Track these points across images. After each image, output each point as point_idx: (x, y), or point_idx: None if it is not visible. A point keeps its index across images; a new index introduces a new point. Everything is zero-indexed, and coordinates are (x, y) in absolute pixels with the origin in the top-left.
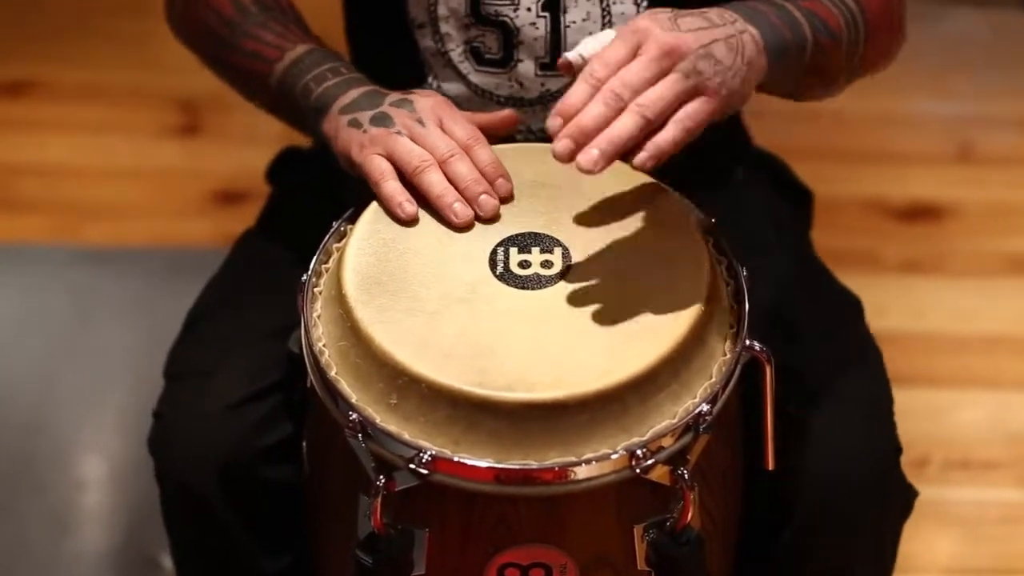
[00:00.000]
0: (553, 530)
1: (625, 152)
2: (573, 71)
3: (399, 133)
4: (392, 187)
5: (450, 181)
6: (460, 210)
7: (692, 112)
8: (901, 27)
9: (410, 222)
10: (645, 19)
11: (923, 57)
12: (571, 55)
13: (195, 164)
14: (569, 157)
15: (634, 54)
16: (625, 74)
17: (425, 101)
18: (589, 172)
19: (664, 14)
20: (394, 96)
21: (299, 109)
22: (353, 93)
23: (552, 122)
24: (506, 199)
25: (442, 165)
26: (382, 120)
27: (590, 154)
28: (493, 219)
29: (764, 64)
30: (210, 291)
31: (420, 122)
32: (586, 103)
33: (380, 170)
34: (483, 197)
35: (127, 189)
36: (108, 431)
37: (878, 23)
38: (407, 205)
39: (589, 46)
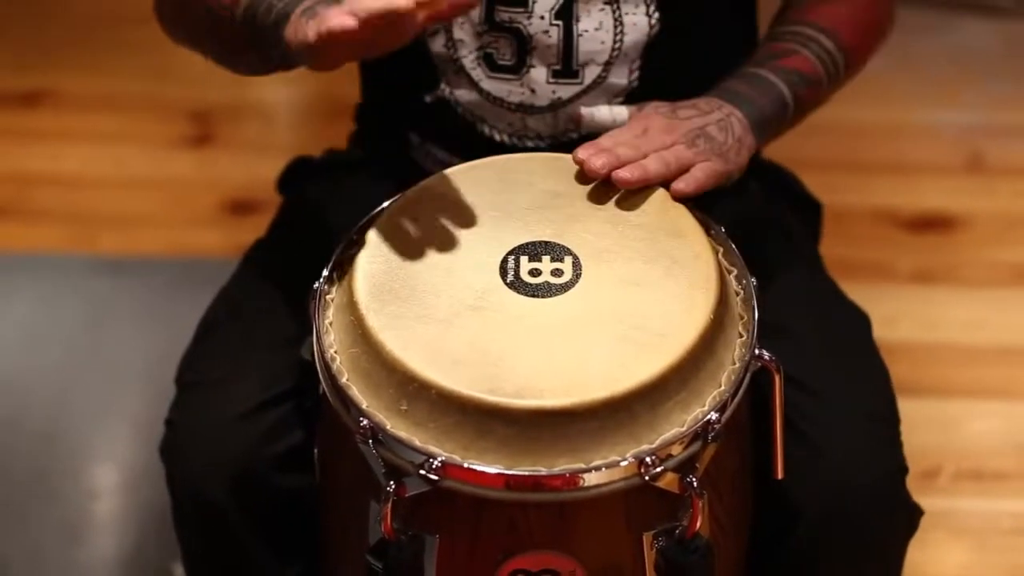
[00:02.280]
0: (563, 536)
1: (651, 183)
2: (581, 124)
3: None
4: (332, 13)
5: None
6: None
7: (708, 165)
8: (889, 23)
9: (347, 27)
10: (649, 109)
11: (933, 68)
12: (583, 110)
13: (208, 174)
14: (605, 168)
15: (644, 133)
16: (642, 138)
17: None
18: (628, 183)
19: (664, 107)
20: None
21: (264, 33)
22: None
23: (583, 152)
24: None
25: None
26: (336, 1)
27: (629, 170)
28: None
29: (752, 141)
30: (222, 300)
31: None
32: (614, 148)
33: (324, 16)
34: None
35: (140, 199)
36: (121, 439)
37: (858, 48)
38: (345, 19)
39: (603, 111)
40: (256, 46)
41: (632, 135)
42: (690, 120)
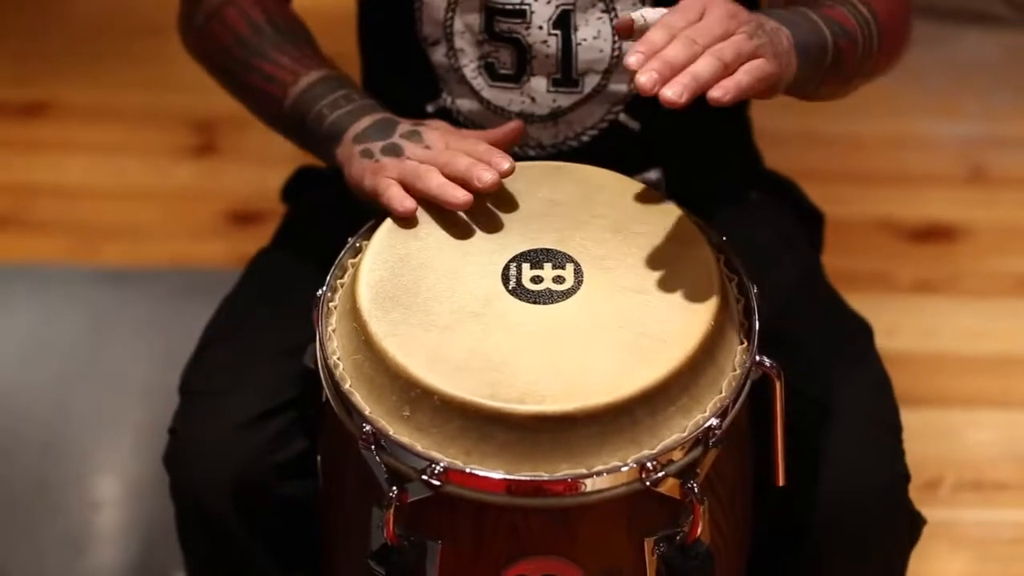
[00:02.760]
0: (564, 542)
1: (702, 92)
2: (631, 31)
3: (409, 159)
4: (395, 191)
5: (449, 176)
6: (455, 192)
7: (758, 66)
8: (908, 31)
9: (409, 221)
10: None
11: (934, 79)
12: (634, 14)
13: (210, 184)
14: (654, 87)
15: (700, 17)
16: (698, 26)
17: (433, 131)
18: (673, 104)
19: None
20: (404, 126)
21: (311, 134)
22: (365, 121)
23: (633, 58)
24: (506, 174)
25: (442, 169)
26: (393, 150)
27: (678, 85)
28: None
29: (795, 62)
30: (225, 310)
31: (428, 148)
32: (666, 44)
33: (387, 184)
34: (480, 171)
35: (143, 209)
36: (123, 450)
37: (889, 28)
38: (406, 201)
39: (650, 13)
40: (302, 140)
41: (687, 19)
42: (750, 12)
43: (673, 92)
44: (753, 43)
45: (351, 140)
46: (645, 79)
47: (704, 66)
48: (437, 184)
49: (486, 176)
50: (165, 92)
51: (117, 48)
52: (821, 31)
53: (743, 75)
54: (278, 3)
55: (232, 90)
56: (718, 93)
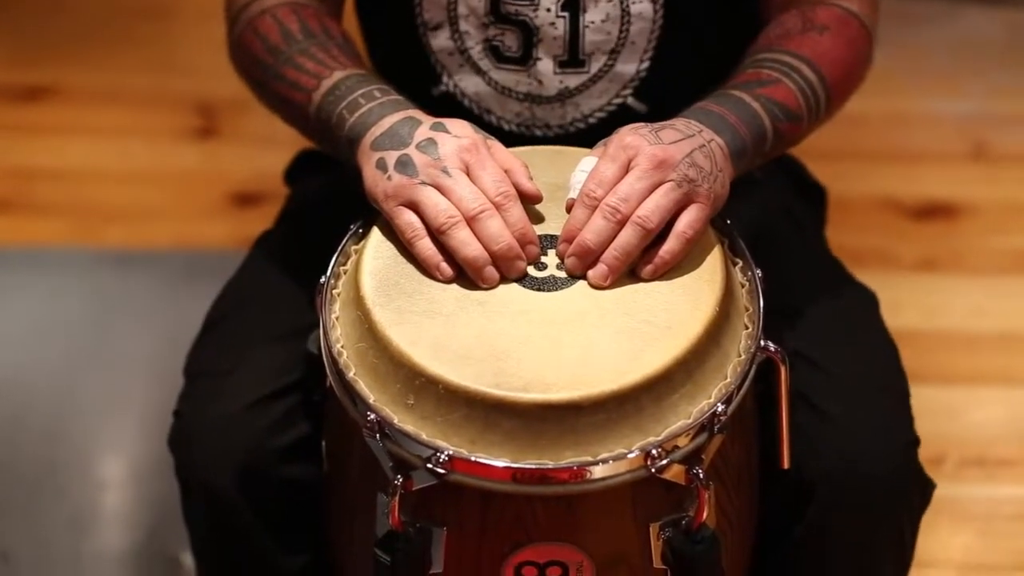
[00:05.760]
0: (570, 529)
1: (632, 261)
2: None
3: (423, 183)
4: (426, 247)
5: (479, 239)
6: (490, 275)
7: (691, 221)
8: (864, 72)
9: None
10: (631, 135)
11: (936, 57)
12: (574, 195)
13: (213, 167)
14: (575, 271)
15: (626, 170)
16: (621, 188)
17: (450, 144)
18: (600, 287)
19: (644, 128)
20: (422, 131)
21: (336, 141)
22: (385, 123)
23: (561, 247)
24: (533, 261)
25: (470, 222)
26: (405, 167)
27: (599, 269)
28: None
29: (731, 170)
30: (229, 292)
31: (445, 171)
32: (585, 222)
33: (411, 226)
34: (515, 263)
35: (146, 192)
36: (128, 432)
37: (841, 84)
38: (444, 267)
39: (587, 163)
40: (327, 144)
41: (613, 175)
42: (677, 145)
43: (594, 277)
44: (682, 191)
45: (369, 146)
46: (570, 265)
47: (626, 239)
48: (467, 256)
49: (516, 269)
50: (168, 75)
51: (120, 31)
52: (760, 122)
53: (673, 240)
54: (316, 13)
55: (266, 101)
56: (648, 271)
